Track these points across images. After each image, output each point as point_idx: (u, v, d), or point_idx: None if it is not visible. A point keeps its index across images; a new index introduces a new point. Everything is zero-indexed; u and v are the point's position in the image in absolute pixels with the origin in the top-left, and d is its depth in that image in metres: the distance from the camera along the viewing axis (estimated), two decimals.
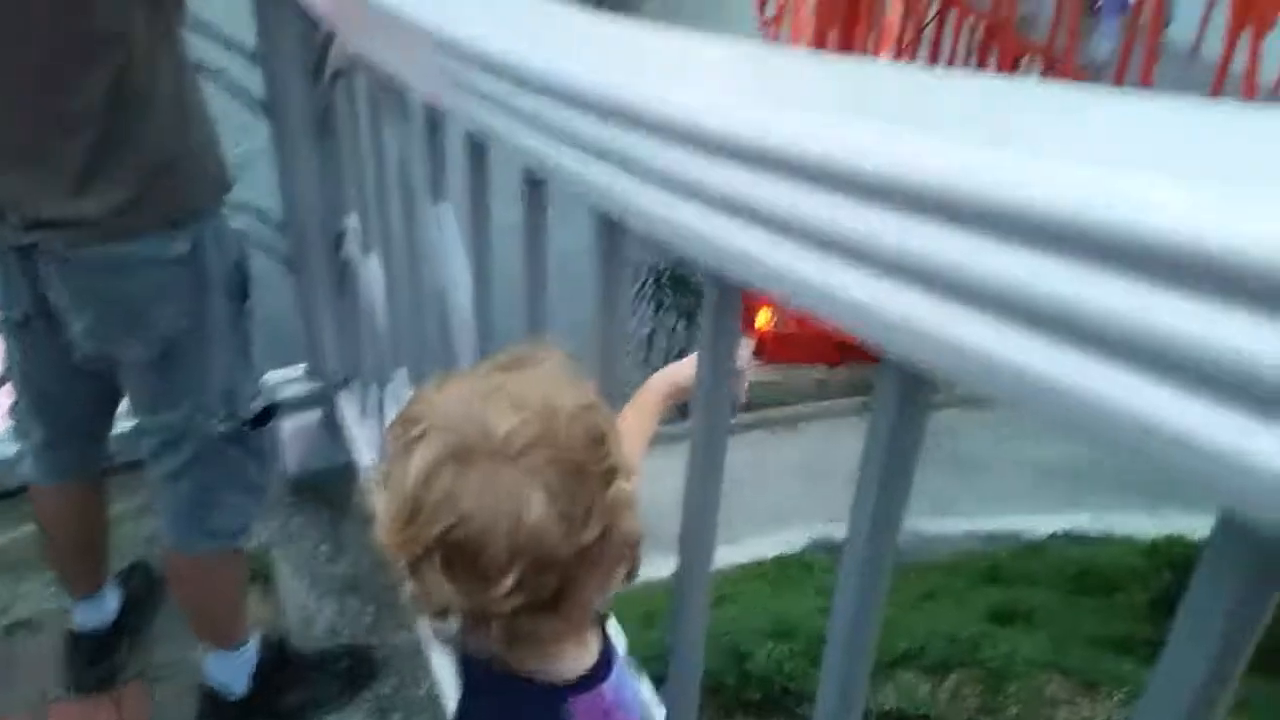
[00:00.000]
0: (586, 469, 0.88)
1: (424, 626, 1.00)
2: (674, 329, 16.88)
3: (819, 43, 24.60)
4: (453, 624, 0.92)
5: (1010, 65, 17.89)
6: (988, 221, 0.53)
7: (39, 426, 2.15)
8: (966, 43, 19.10)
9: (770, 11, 31.47)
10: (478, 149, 1.36)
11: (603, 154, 0.91)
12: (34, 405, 2.12)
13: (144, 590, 2.63)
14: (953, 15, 19.16)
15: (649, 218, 0.87)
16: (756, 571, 8.24)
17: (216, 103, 2.14)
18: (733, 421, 1.08)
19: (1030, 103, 0.67)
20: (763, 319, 13.57)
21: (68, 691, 2.42)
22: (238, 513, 2.13)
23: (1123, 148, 0.53)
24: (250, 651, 2.31)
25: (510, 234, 1.34)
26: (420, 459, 0.86)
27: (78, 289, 1.80)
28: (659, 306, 17.25)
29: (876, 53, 23.62)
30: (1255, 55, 11.15)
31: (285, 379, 3.15)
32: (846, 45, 23.42)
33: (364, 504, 0.97)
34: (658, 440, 1.38)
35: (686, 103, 0.80)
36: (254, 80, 2.70)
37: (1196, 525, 7.14)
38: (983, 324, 0.55)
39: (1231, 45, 11.59)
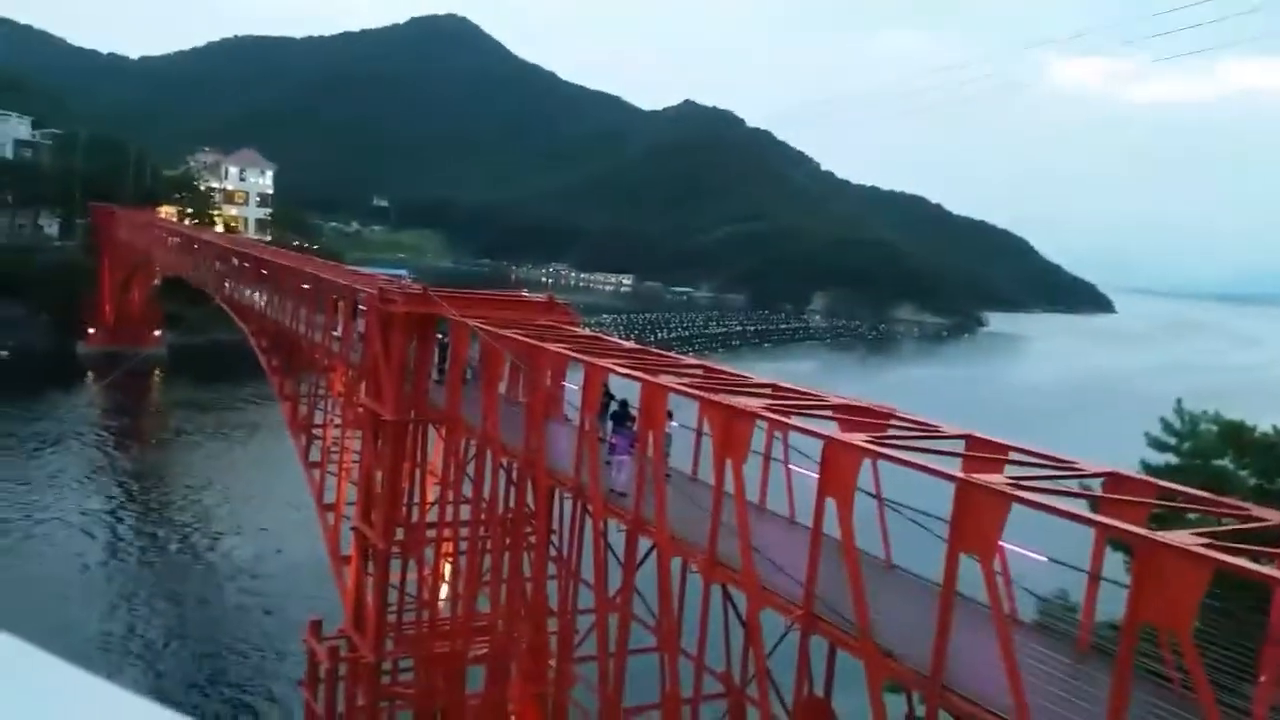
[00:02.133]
0: None
1: None
2: None
3: (366, 483, 25.37)
4: None
5: (545, 496, 19.58)
6: None
7: None
8: (505, 477, 20.71)
9: (315, 456, 32.04)
10: None
11: None
12: None
13: None
14: (489, 454, 20.78)
15: None
16: None
17: None
18: None
19: None
20: None
21: None
22: None
23: None
24: None
25: None
26: None
27: None
28: None
29: (424, 489, 24.81)
30: (739, 477, 13.28)
31: None
32: (395, 484, 24.41)
33: None
34: None
35: None
36: None
37: None
38: None
39: (720, 471, 13.77)
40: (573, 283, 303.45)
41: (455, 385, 22.23)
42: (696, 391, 15.21)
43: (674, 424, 17.93)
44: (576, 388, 19.35)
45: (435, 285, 25.73)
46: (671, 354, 20.79)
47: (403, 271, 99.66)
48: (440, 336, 24.32)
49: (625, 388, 18.06)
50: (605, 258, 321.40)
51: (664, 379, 16.57)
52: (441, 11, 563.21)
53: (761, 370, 23.63)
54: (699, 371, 18.30)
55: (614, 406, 19.52)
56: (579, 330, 22.89)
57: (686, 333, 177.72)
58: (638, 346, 20.83)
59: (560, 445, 19.74)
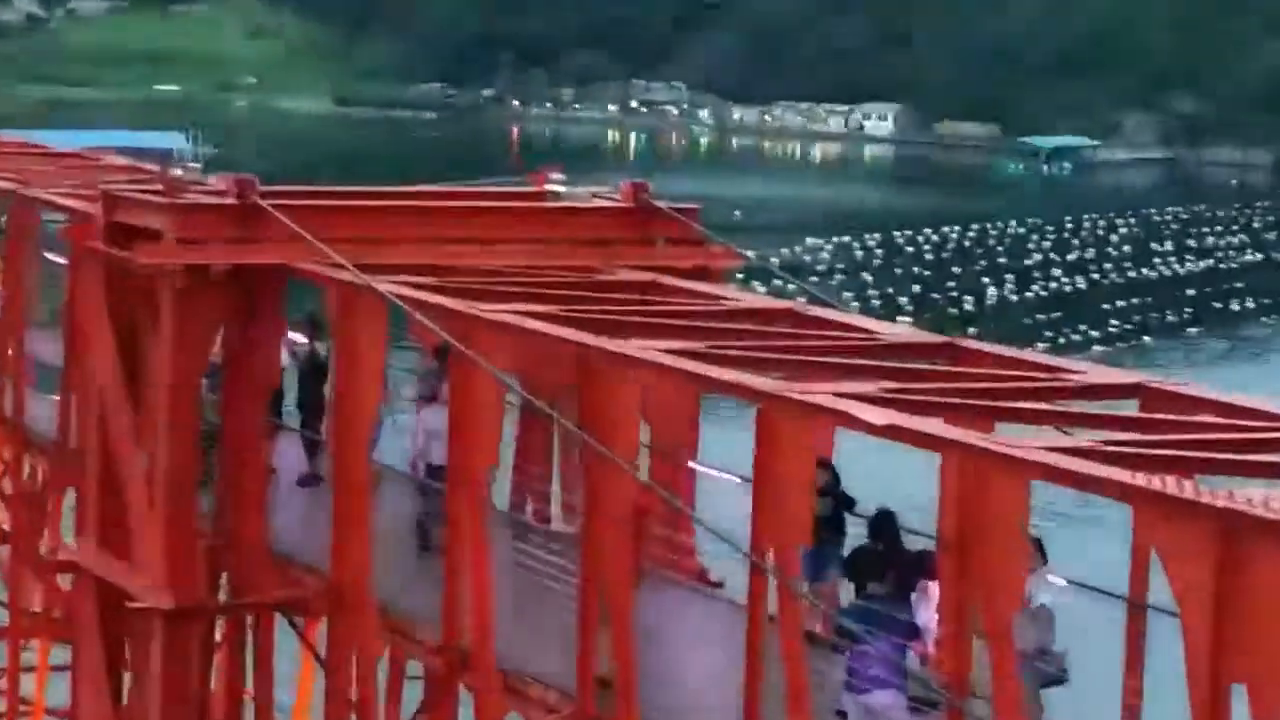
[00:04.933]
0: None
1: None
2: None
3: None
4: None
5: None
6: None
7: None
8: None
9: None
10: None
11: None
12: None
13: None
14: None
15: None
16: None
17: None
18: None
19: None
20: None
21: None
22: None
23: None
24: None
25: None
26: None
27: None
28: None
29: None
30: None
31: None
32: None
33: None
34: None
35: None
36: None
37: None
38: None
39: None
40: (699, 119, 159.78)
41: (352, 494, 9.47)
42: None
43: (1050, 579, 7.07)
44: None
45: (271, 177, 11.83)
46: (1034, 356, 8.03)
47: (182, 140, 67.08)
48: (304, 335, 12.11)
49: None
50: (753, 76, 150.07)
51: (1020, 445, 5.71)
52: None
53: None
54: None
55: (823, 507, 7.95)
56: (728, 294, 10.07)
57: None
58: (932, 338, 8.60)
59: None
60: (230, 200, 10.11)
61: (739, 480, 7.95)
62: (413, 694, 10.23)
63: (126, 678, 11.99)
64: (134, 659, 11.66)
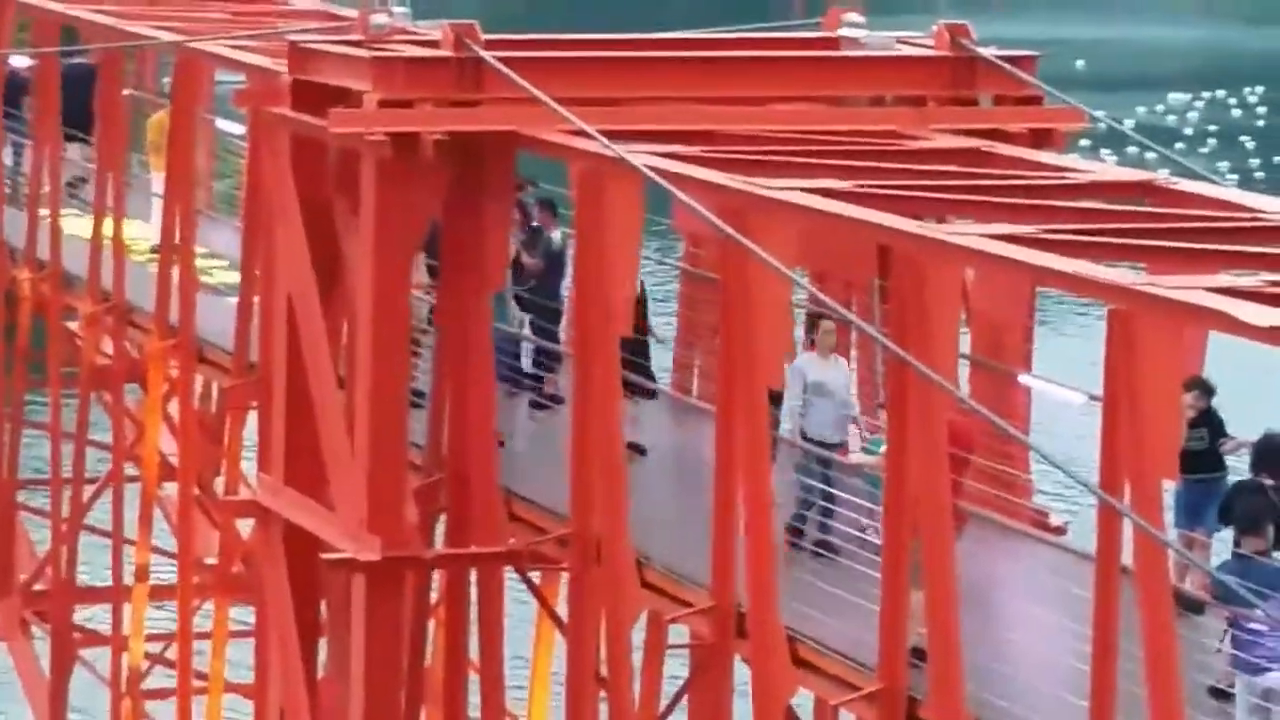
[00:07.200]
0: None
1: None
2: None
3: None
4: None
5: None
6: None
7: None
8: None
9: None
10: None
11: None
12: None
13: None
14: None
15: None
16: None
17: None
18: None
19: None
20: None
21: None
22: None
23: None
24: None
25: None
26: None
27: None
28: None
29: None
30: None
31: None
32: None
33: None
34: None
35: None
36: None
37: None
38: None
39: None
40: None
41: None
42: None
43: None
44: None
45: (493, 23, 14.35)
46: None
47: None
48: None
49: None
50: None
51: None
52: None
53: None
54: None
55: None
56: (1070, 165, 11.75)
57: None
58: None
59: None
60: (446, 53, 12.24)
61: (1085, 399, 9.13)
62: (675, 666, 12.30)
63: (322, 644, 14.95)
64: (331, 621, 14.44)
